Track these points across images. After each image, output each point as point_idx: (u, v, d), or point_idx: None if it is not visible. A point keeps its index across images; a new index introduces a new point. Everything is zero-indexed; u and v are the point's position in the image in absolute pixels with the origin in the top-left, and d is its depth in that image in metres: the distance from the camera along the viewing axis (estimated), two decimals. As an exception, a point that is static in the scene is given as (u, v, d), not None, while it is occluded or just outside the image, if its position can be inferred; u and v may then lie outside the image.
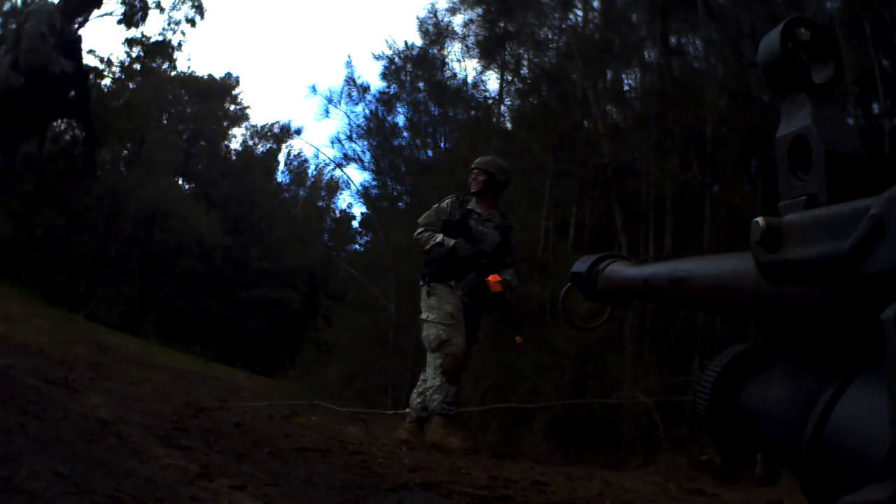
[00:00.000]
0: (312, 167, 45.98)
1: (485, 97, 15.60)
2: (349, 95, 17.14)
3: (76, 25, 5.15)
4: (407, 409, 5.91)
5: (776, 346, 0.56)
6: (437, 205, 5.98)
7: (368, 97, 17.13)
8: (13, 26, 6.61)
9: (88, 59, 25.30)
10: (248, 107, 53.75)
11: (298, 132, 45.89)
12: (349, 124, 17.14)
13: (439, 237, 5.70)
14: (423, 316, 5.60)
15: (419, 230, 5.85)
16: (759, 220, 0.50)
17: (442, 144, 16.82)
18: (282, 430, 4.50)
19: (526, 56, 13.63)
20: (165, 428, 3.26)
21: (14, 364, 3.93)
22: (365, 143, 17.08)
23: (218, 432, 3.56)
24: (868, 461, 0.40)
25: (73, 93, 5.01)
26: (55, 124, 23.46)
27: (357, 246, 31.11)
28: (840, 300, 0.46)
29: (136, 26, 27.09)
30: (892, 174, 7.56)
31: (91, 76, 5.78)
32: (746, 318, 0.70)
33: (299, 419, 6.14)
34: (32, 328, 7.17)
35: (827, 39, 0.56)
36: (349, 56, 52.14)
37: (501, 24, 13.93)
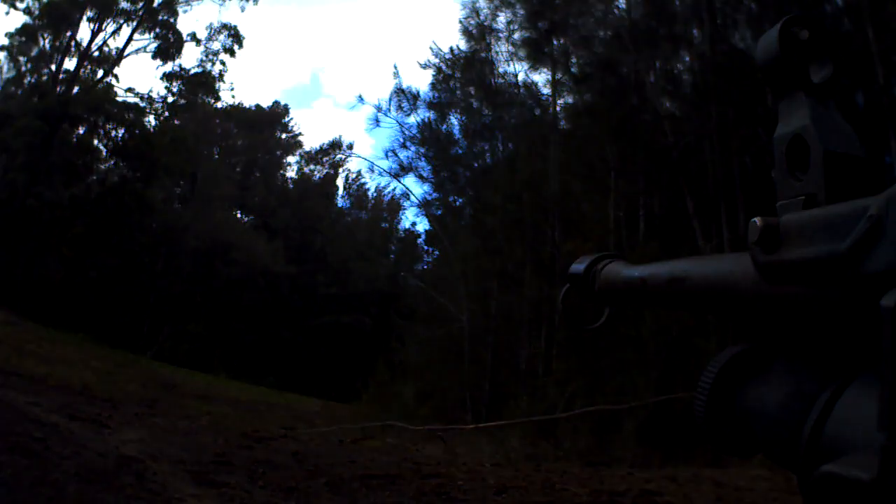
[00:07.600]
0: (371, 187, 46.33)
1: (537, 96, 15.40)
2: (399, 107, 16.91)
3: None
4: None
5: (774, 346, 0.54)
6: None
7: (419, 104, 16.87)
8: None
9: (127, 98, 25.60)
10: (301, 134, 54.07)
11: (350, 147, 46.13)
12: (401, 132, 16.91)
13: None
14: None
15: None
16: (757, 219, 0.49)
17: (499, 146, 16.48)
18: (348, 456, 4.02)
19: (573, 50, 13.57)
20: (204, 463, 2.81)
21: (40, 402, 3.52)
22: (420, 150, 16.85)
23: (270, 463, 3.09)
24: None
25: None
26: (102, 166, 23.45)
27: (424, 265, 31.10)
28: (838, 301, 0.44)
29: (172, 59, 27.42)
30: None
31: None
32: (744, 319, 0.56)
33: (371, 442, 5.70)
34: (88, 369, 6.89)
35: (826, 39, 0.53)
36: (395, 66, 52.10)
37: (545, 22, 13.86)
